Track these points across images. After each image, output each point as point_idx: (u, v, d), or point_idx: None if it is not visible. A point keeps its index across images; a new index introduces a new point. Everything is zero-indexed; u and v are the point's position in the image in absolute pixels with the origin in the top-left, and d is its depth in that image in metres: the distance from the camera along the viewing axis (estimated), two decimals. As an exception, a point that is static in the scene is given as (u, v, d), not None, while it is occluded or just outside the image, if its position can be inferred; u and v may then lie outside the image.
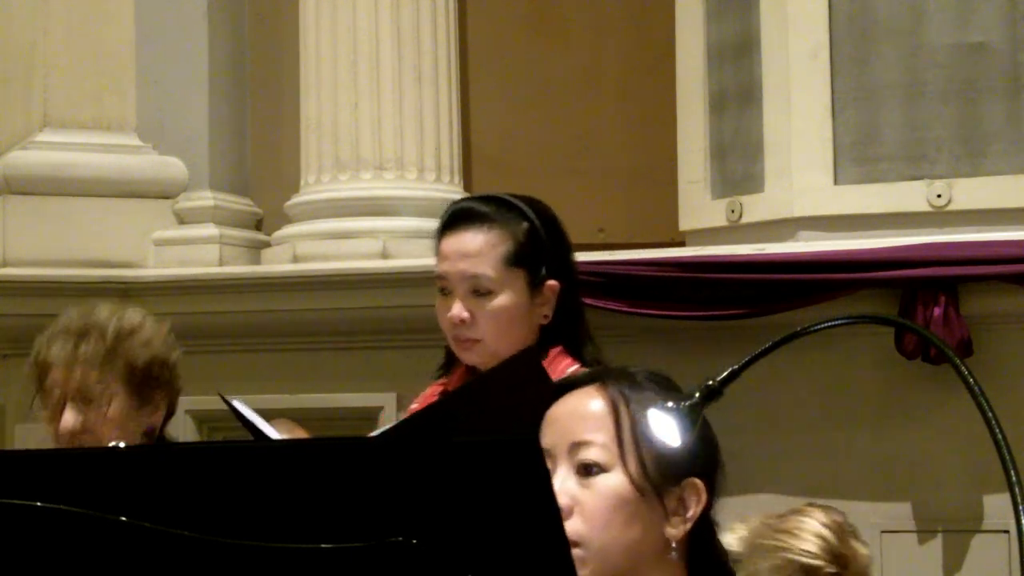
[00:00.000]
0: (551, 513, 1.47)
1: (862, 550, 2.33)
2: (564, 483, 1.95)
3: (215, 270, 4.88)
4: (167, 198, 5.10)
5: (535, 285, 2.72)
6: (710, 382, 1.95)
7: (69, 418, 2.97)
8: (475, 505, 1.43)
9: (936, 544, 4.32)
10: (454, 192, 4.99)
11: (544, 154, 5.49)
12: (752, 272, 4.36)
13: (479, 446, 1.48)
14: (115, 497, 1.44)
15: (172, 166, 5.14)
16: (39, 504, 1.42)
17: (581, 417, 2.00)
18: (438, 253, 2.78)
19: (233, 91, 5.38)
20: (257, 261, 5.20)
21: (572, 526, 1.91)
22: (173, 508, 1.43)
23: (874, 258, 4.28)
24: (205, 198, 5.21)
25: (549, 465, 1.96)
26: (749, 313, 4.31)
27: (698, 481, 2.00)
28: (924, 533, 4.32)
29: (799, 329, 2.04)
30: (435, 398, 2.78)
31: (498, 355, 2.68)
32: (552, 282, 2.72)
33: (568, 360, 2.73)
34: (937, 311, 4.20)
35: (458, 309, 2.70)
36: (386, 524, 1.41)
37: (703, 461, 2.03)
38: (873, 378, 4.38)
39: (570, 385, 2.09)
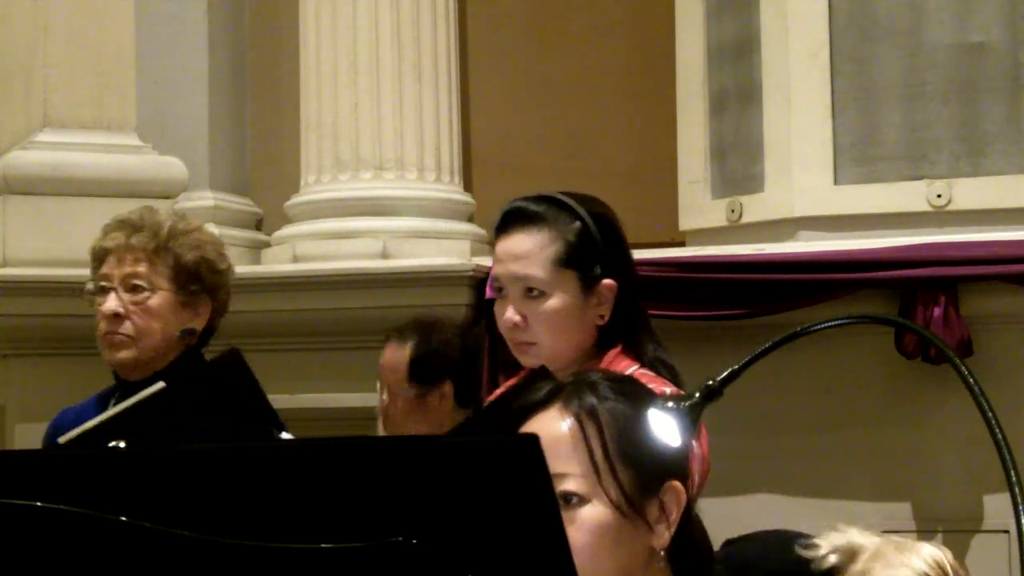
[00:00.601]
0: (551, 513, 1.47)
1: None
2: None
3: (215, 270, 4.88)
4: (167, 198, 5.09)
5: (588, 285, 2.69)
6: (710, 382, 1.94)
7: (112, 301, 3.09)
8: (475, 505, 1.43)
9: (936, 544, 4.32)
10: (454, 192, 4.99)
11: (544, 154, 5.49)
12: (752, 272, 4.35)
13: (479, 446, 1.47)
14: (115, 497, 1.44)
15: (172, 166, 5.13)
16: (39, 504, 1.42)
17: (551, 446, 1.88)
18: (493, 255, 2.77)
19: (233, 91, 5.38)
20: (257, 261, 5.20)
21: None
22: (173, 508, 1.43)
23: (874, 258, 4.28)
24: (205, 198, 5.20)
25: None
26: (749, 313, 4.31)
27: (676, 483, 1.96)
28: (924, 533, 4.32)
29: (799, 329, 2.03)
30: None
31: (556, 357, 2.65)
32: (608, 281, 2.70)
33: (627, 360, 2.70)
34: (937, 311, 4.20)
35: (511, 312, 2.68)
36: (386, 524, 1.41)
37: (674, 459, 1.99)
38: (873, 378, 4.38)
39: (529, 408, 2.02)
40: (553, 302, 2.66)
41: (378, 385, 4.09)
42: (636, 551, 1.94)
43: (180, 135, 5.20)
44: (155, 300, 3.10)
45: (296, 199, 5.06)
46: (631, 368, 2.67)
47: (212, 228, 5.13)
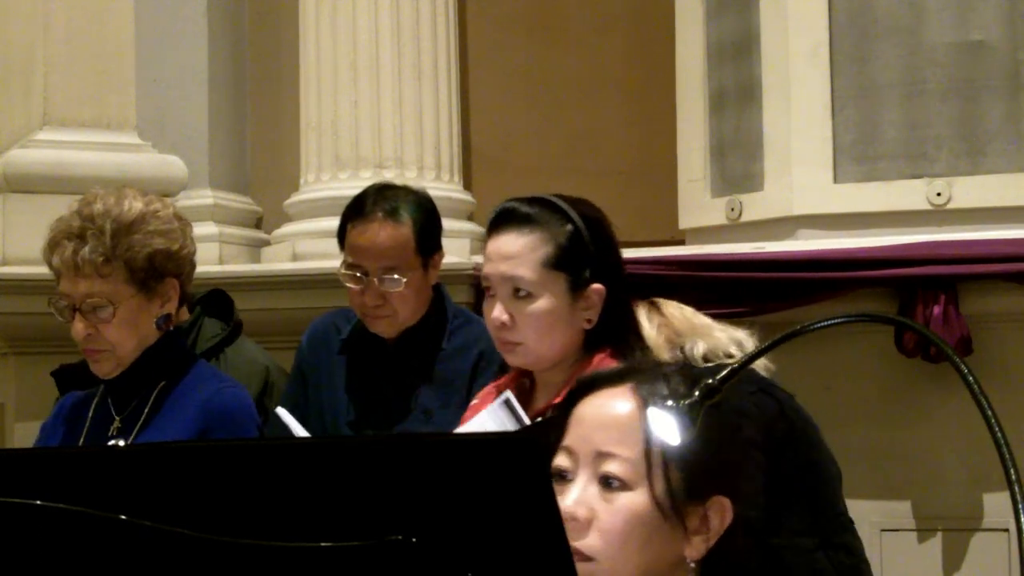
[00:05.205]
0: (551, 512, 1.47)
1: None
2: (584, 492, 1.88)
3: (215, 268, 4.88)
4: (167, 196, 5.09)
5: (577, 289, 2.70)
6: (710, 381, 1.93)
7: (79, 327, 3.02)
8: (475, 504, 1.43)
9: (936, 543, 4.32)
10: (454, 191, 4.99)
11: (544, 153, 5.49)
12: (752, 271, 4.35)
13: (480, 444, 1.47)
14: (115, 496, 1.44)
15: (172, 164, 5.13)
16: (39, 504, 1.42)
17: (609, 425, 1.91)
18: (484, 254, 2.78)
19: (233, 90, 5.37)
20: (257, 259, 5.20)
21: (588, 541, 1.84)
22: (173, 507, 1.43)
23: (874, 256, 4.28)
24: (205, 196, 5.20)
25: (569, 463, 1.92)
26: (748, 311, 4.31)
27: (724, 500, 1.92)
28: (924, 532, 4.32)
29: (799, 328, 2.03)
30: (491, 396, 2.77)
31: (541, 357, 2.68)
32: (597, 286, 2.71)
33: (613, 365, 2.72)
34: (937, 310, 4.20)
35: (498, 311, 2.70)
36: (385, 523, 1.41)
37: (728, 475, 1.95)
38: (873, 377, 4.38)
39: (601, 380, 1.98)
40: (541, 303, 2.68)
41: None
42: (665, 554, 1.89)
43: (180, 133, 5.20)
44: (120, 312, 3.01)
45: (296, 197, 5.06)
46: None
47: (212, 226, 5.17)
